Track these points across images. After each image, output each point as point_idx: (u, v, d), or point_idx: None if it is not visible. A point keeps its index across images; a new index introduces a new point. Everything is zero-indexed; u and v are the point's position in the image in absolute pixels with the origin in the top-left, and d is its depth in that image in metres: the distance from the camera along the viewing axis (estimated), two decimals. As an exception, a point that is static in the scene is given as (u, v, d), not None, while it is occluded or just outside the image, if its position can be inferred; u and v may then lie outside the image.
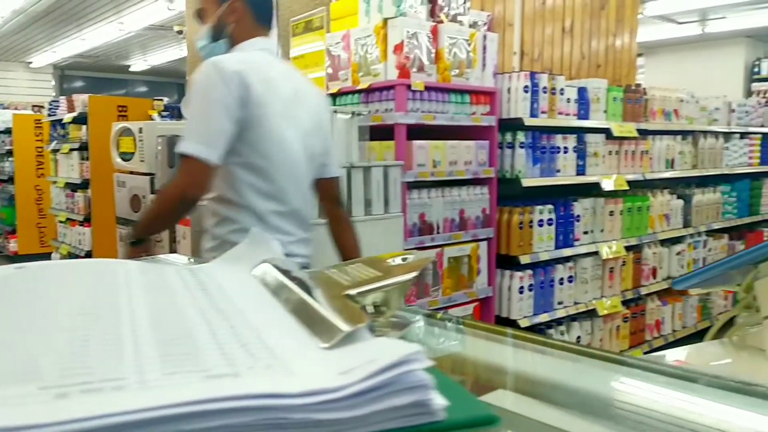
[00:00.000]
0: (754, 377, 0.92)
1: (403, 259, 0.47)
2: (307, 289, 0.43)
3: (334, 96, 3.30)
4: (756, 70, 10.07)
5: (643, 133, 4.05)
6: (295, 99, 1.83)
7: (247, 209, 1.77)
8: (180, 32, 9.19)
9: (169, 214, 1.75)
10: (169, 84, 15.54)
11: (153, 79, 15.56)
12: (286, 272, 0.47)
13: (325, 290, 0.43)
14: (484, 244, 3.40)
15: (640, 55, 10.64)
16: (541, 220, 3.53)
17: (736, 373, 0.93)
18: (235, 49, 1.83)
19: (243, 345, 0.36)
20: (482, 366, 0.69)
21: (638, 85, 4.26)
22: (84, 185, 5.03)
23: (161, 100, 6.33)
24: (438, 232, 3.19)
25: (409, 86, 2.98)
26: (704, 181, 4.76)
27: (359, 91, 3.15)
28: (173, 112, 5.74)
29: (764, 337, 0.96)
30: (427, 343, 0.66)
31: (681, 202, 4.40)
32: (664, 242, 4.29)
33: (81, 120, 4.96)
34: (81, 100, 5.06)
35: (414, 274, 0.45)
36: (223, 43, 1.85)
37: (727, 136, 4.89)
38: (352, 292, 0.43)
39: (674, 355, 0.99)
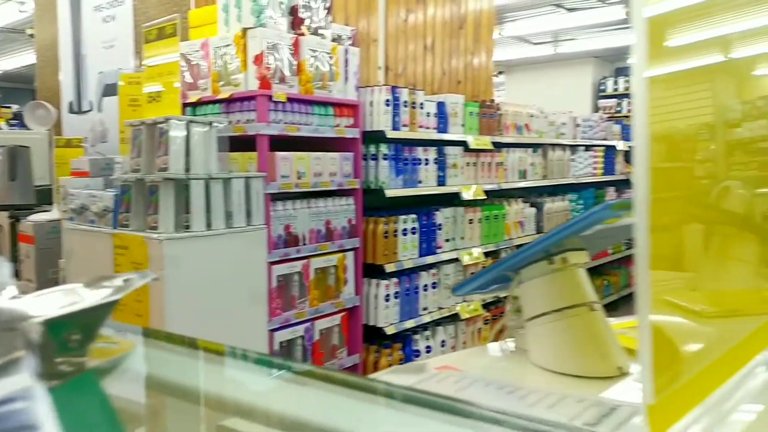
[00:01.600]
0: (517, 379, 0.99)
1: (125, 281, 0.45)
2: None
3: (193, 105, 3.19)
4: (602, 87, 11.02)
5: (498, 146, 4.29)
6: None
7: None
8: (32, 36, 8.49)
9: None
10: (23, 90, 14.31)
11: (4, 85, 14.25)
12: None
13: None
14: (350, 254, 3.42)
15: (500, 72, 11.32)
16: (405, 230, 3.61)
17: (501, 376, 0.99)
18: None
19: None
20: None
21: (492, 101, 4.51)
22: None
23: (9, 107, 5.80)
24: (304, 244, 3.17)
25: (270, 97, 2.94)
26: (554, 191, 5.12)
27: (220, 101, 3.06)
28: (23, 120, 5.28)
29: (527, 339, 1.04)
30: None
31: (534, 210, 4.69)
32: (519, 248, 4.55)
33: None
34: None
35: (113, 297, 0.42)
36: None
37: (574, 148, 5.30)
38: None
39: (445, 361, 1.03)
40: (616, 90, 10.80)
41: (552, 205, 4.92)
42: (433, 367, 0.98)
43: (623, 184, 6.14)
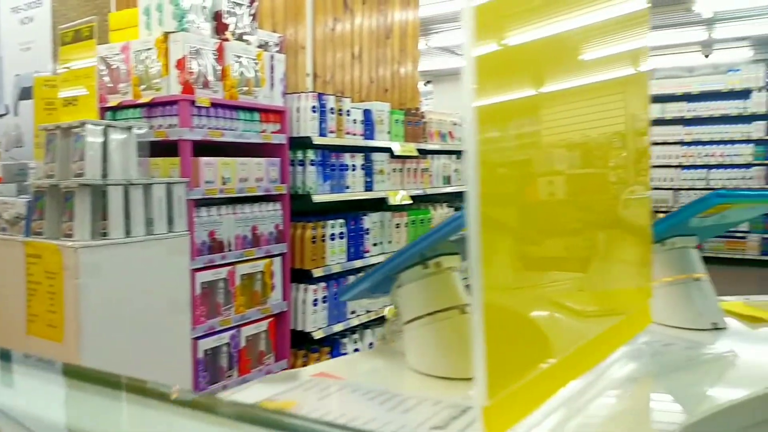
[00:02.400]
0: (394, 384, 1.01)
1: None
2: None
3: (113, 110, 3.10)
4: (525, 99, 11.43)
5: (423, 153, 4.37)
6: None
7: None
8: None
9: None
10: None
11: None
12: None
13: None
14: (278, 260, 3.40)
15: (428, 82, 11.51)
16: (333, 234, 3.62)
17: (378, 382, 1.01)
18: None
19: None
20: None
21: (418, 109, 4.59)
22: None
23: None
24: (230, 250, 3.13)
25: (193, 102, 2.90)
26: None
27: (141, 105, 2.99)
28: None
29: (404, 342, 1.07)
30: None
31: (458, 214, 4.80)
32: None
33: None
34: None
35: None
36: None
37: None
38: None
39: (323, 368, 1.05)
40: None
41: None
42: (309, 374, 0.98)
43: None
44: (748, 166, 9.03)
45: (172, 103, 2.88)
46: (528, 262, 0.78)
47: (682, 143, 9.55)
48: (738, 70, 9.16)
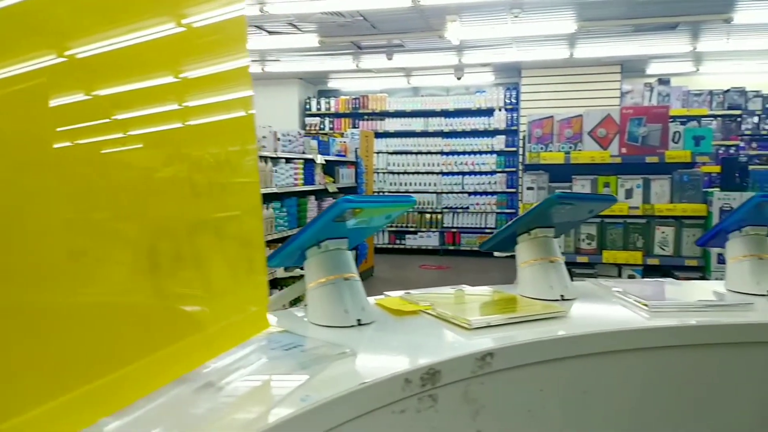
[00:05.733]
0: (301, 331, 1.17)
1: None
2: None
3: None
4: (307, 107, 11.69)
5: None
6: None
7: None
8: None
9: None
10: None
11: None
12: None
13: None
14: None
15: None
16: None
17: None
18: None
19: None
20: None
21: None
22: None
23: None
24: None
25: None
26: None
27: None
28: None
29: (306, 300, 1.28)
30: None
31: (238, 217, 4.78)
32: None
33: None
34: None
35: None
36: None
37: (275, 160, 5.55)
38: None
39: None
40: (319, 109, 11.57)
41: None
42: None
43: (322, 194, 6.63)
44: (492, 173, 10.39)
45: None
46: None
47: (442, 153, 10.65)
48: (484, 91, 10.50)
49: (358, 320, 1.20)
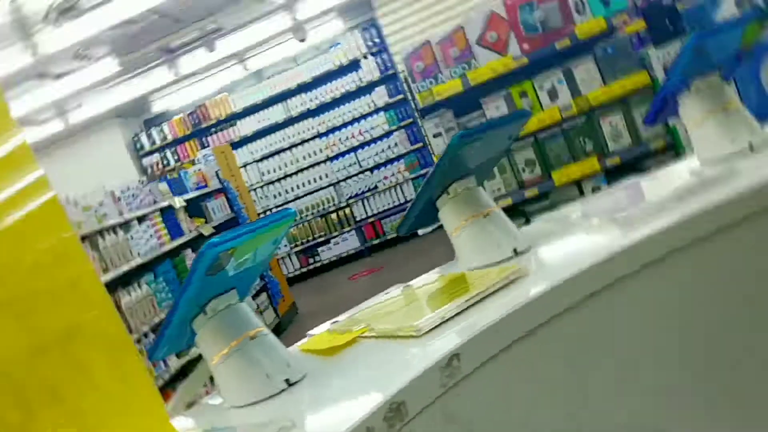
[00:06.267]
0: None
1: None
2: None
3: None
4: (138, 146, 11.33)
5: None
6: None
7: None
8: None
9: None
10: None
11: None
12: None
13: None
14: None
15: None
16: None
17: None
18: None
19: None
20: None
21: None
22: None
23: None
24: None
25: None
26: (127, 278, 5.08)
27: None
28: None
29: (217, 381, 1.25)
30: None
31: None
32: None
33: None
34: None
35: None
36: None
37: (125, 226, 5.35)
38: None
39: None
40: (153, 144, 11.25)
41: (131, 298, 4.89)
42: None
43: (199, 242, 6.47)
44: (387, 134, 10.49)
45: None
46: None
47: (319, 135, 10.63)
48: (338, 44, 10.55)
49: (286, 380, 1.18)
